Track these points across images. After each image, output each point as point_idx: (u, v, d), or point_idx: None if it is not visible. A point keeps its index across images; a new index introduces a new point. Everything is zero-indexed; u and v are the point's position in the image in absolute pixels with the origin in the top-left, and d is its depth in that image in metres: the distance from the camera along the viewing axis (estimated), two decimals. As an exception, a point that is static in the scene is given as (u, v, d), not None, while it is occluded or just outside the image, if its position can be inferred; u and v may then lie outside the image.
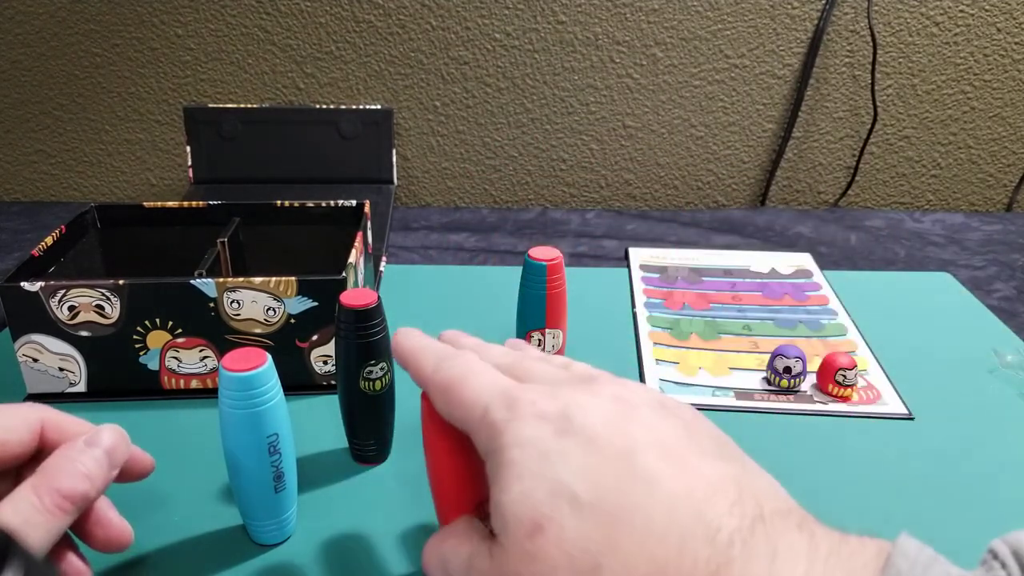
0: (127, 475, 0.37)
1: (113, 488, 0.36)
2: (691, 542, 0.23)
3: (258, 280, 0.52)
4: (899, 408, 0.55)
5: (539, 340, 0.51)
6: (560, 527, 0.25)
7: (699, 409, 0.54)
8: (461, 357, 0.32)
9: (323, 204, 0.65)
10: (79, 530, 0.35)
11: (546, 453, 0.26)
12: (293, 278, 0.52)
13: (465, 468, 0.33)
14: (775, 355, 0.57)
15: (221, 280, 0.52)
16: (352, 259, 0.56)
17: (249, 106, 0.91)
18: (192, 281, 0.52)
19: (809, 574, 0.22)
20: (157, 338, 0.53)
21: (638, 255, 0.79)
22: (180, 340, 0.54)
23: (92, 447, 0.34)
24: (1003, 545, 0.22)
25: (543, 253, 0.50)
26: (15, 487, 0.32)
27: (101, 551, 0.36)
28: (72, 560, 0.35)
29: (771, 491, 0.27)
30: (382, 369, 0.45)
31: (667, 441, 0.27)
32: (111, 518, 0.36)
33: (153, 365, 0.54)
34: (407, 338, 0.35)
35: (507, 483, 0.27)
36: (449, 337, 0.37)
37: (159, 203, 0.64)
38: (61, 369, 0.54)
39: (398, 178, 0.98)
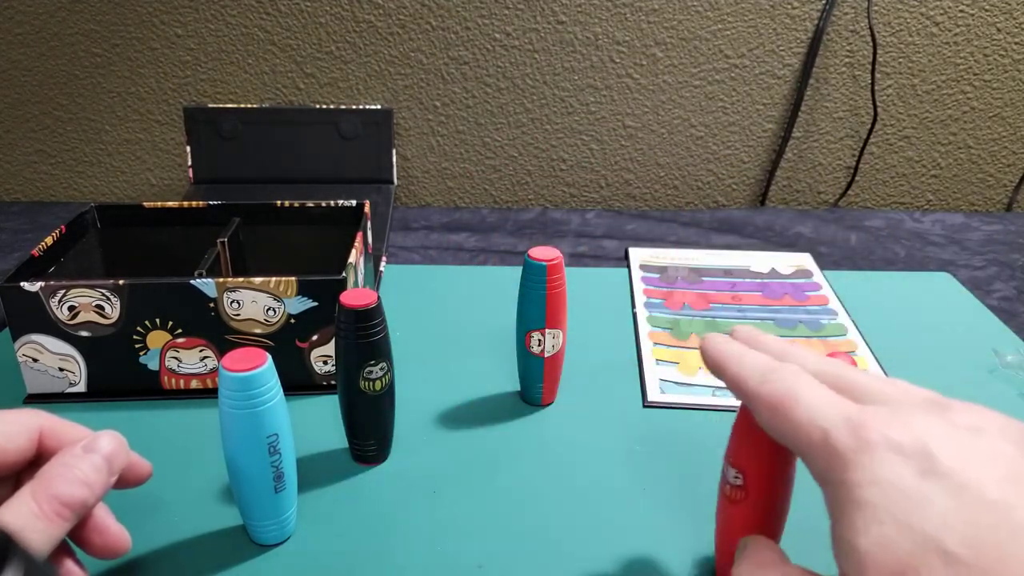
0: (125, 481, 0.37)
1: (112, 490, 0.36)
2: None
3: (258, 280, 0.52)
4: (899, 408, 0.55)
5: (539, 340, 0.51)
6: None
7: (699, 409, 0.55)
8: (787, 369, 0.31)
9: (323, 204, 0.65)
10: (77, 537, 0.35)
11: (908, 496, 0.25)
12: (293, 278, 0.52)
13: (788, 475, 0.34)
14: (775, 355, 0.57)
15: (221, 280, 0.52)
16: (352, 259, 0.56)
17: (249, 106, 0.91)
18: (192, 281, 0.52)
19: None
20: (157, 338, 0.53)
21: (638, 255, 0.79)
22: (180, 340, 0.54)
23: (91, 453, 0.34)
24: None
25: (543, 253, 0.50)
26: (14, 493, 0.32)
27: (98, 558, 0.36)
28: (70, 567, 0.35)
29: None
30: (382, 369, 0.45)
31: None
32: (109, 525, 0.36)
33: (153, 365, 0.54)
34: (719, 344, 0.34)
35: (863, 524, 0.25)
36: (744, 335, 0.36)
37: (159, 203, 0.64)
38: (61, 369, 0.54)
39: (398, 178, 0.98)
